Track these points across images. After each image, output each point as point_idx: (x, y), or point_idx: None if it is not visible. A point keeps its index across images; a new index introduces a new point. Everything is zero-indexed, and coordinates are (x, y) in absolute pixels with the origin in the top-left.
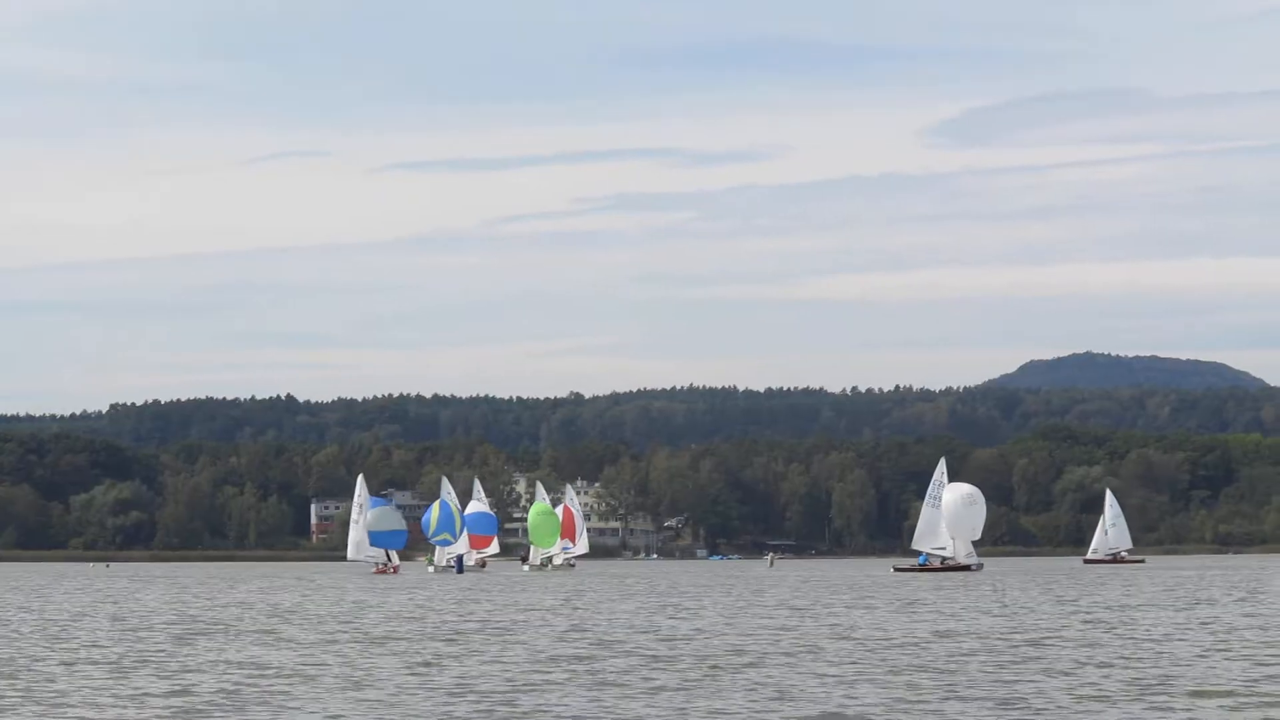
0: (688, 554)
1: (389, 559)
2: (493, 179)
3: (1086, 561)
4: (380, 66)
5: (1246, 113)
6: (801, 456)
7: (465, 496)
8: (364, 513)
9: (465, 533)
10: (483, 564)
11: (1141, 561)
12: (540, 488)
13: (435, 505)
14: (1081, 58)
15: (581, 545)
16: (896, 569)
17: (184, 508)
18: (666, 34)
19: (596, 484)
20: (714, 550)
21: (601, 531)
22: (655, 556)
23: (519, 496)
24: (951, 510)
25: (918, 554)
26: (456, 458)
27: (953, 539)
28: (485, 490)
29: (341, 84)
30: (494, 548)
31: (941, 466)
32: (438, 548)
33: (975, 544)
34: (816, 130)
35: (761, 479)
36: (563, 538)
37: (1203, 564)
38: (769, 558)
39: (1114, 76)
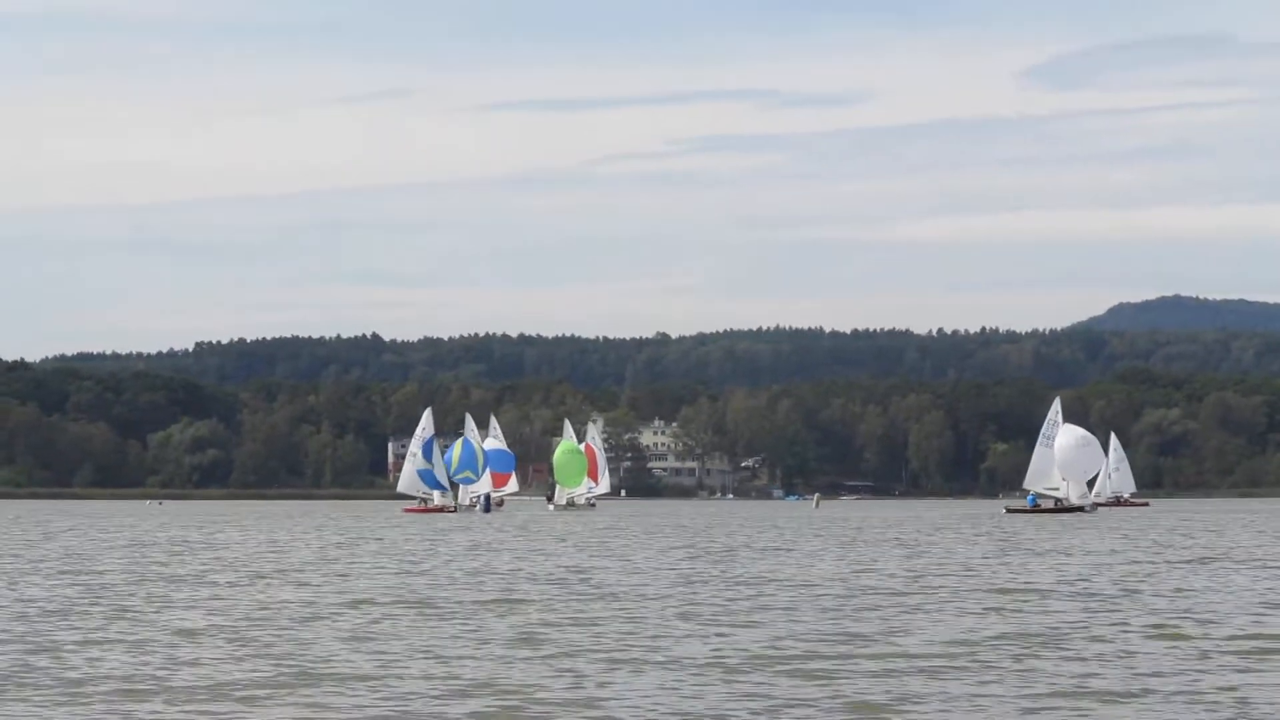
0: (764, 494)
1: (429, 499)
2: (585, 119)
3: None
4: (475, 3)
5: None
6: (879, 398)
7: (545, 435)
8: (422, 446)
9: (488, 471)
10: (500, 503)
11: (1145, 505)
12: (567, 426)
13: (458, 443)
14: (1170, 2)
15: (604, 485)
16: (1009, 510)
17: (261, 446)
18: None
19: (674, 424)
20: (790, 490)
21: (678, 471)
22: (731, 496)
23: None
24: (1064, 452)
25: (1025, 494)
26: (534, 397)
27: (1064, 480)
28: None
29: (435, 21)
30: (512, 485)
31: (1056, 406)
32: (461, 486)
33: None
34: (909, 73)
35: (839, 420)
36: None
37: (1224, 508)
38: (815, 498)
39: (1201, 22)
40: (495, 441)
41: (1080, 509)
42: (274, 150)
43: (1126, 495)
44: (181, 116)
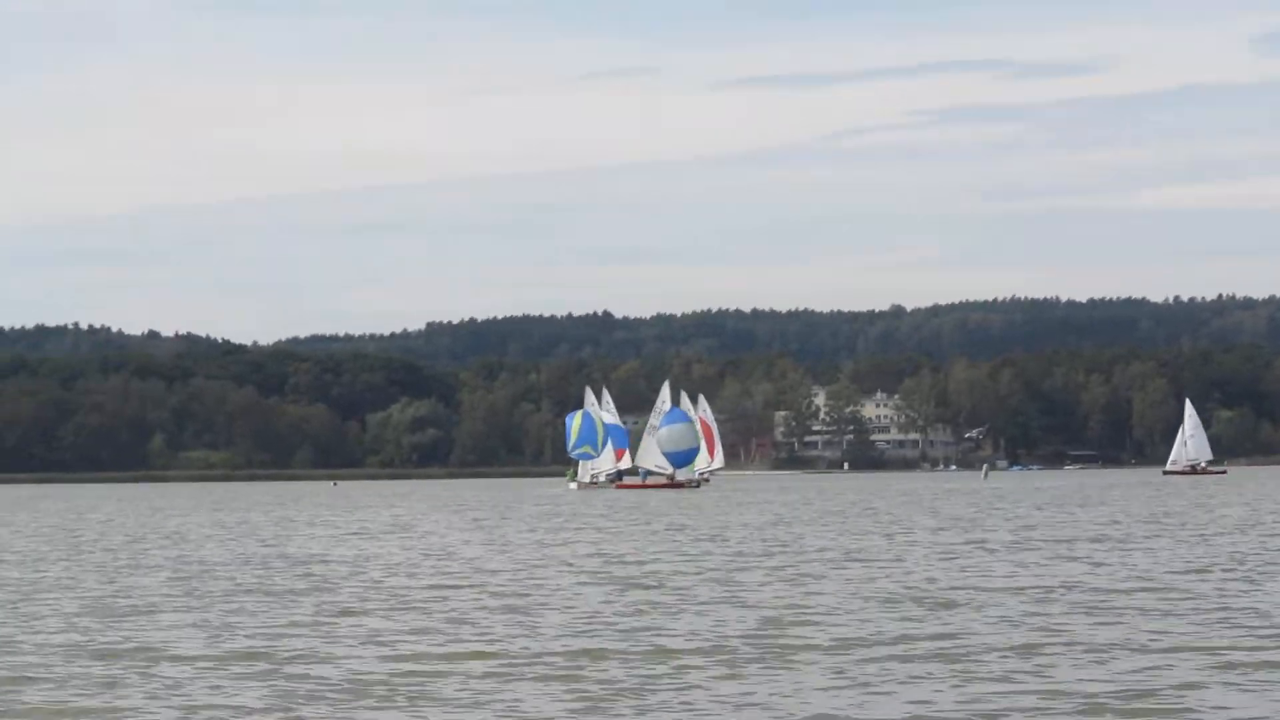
0: (989, 465)
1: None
2: (822, 94)
3: (1166, 473)
4: None
5: None
6: (1102, 366)
7: (767, 409)
8: (660, 419)
9: (610, 446)
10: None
11: (1223, 473)
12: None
13: (576, 416)
14: None
15: (718, 460)
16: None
17: (481, 425)
18: None
19: (896, 396)
20: (1014, 461)
21: (901, 443)
22: (955, 468)
23: (817, 409)
24: None
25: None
26: (756, 371)
27: None
28: (783, 404)
29: None
30: (625, 462)
31: None
32: (580, 462)
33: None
34: (1145, 40)
35: (1062, 389)
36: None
37: None
38: (984, 469)
39: None
40: (610, 416)
41: None
42: (507, 130)
43: (1203, 462)
44: (412, 98)
